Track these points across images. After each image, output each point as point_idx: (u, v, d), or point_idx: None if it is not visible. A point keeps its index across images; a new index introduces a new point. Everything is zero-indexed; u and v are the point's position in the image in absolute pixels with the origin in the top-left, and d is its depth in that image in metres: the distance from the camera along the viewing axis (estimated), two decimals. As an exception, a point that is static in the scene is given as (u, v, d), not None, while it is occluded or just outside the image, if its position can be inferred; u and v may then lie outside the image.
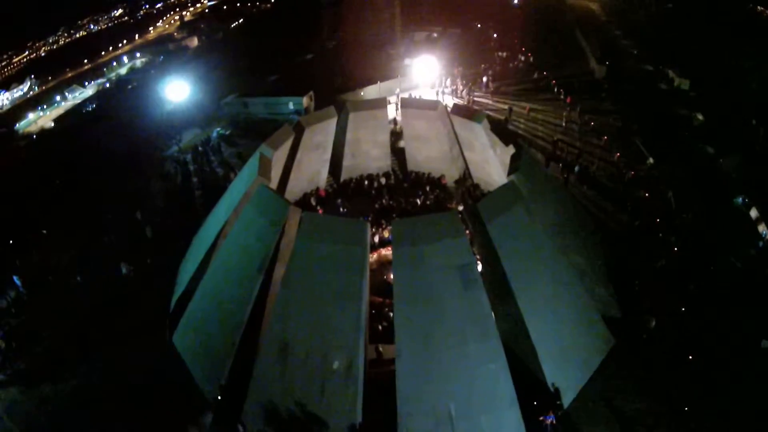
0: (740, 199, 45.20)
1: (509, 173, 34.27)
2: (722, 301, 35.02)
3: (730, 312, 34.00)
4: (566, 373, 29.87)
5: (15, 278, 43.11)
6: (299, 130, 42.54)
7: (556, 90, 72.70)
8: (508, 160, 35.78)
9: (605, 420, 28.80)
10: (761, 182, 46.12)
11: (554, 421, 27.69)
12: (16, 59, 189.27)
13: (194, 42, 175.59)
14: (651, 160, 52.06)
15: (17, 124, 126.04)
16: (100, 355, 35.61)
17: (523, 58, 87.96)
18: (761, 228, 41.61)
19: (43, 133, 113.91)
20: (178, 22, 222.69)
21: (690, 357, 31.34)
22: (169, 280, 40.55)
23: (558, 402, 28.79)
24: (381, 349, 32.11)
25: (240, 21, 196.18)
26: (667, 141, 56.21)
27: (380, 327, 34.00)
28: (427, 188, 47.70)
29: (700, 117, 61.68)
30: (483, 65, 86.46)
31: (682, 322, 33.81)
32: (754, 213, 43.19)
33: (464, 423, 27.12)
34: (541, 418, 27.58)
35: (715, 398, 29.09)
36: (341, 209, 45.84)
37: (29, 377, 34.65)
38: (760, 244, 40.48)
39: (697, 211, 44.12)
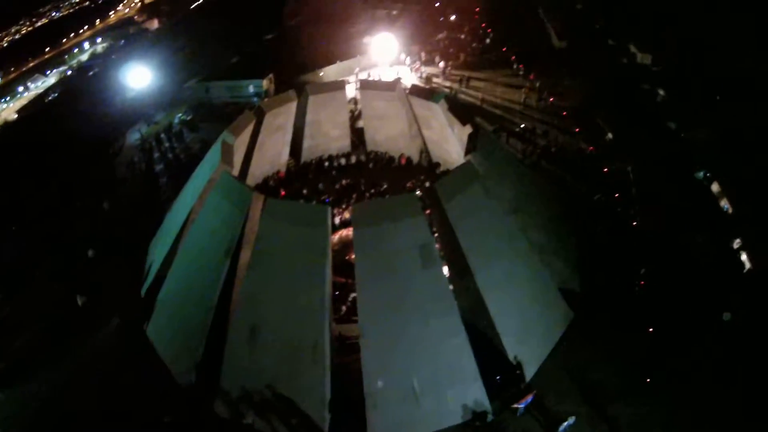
0: (702, 173, 45.66)
1: (466, 152, 34.88)
2: (683, 274, 35.71)
3: (691, 285, 34.67)
4: (527, 346, 30.68)
5: None
6: (260, 114, 42.98)
7: (515, 66, 73.13)
8: (465, 139, 36.31)
9: (569, 392, 29.55)
10: (723, 157, 46.95)
11: (529, 405, 28.48)
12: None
13: (154, 24, 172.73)
14: (610, 135, 52.72)
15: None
16: (78, 347, 35.79)
17: (488, 40, 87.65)
18: (723, 202, 42.08)
19: (7, 124, 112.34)
20: (139, 4, 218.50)
21: (650, 329, 32.14)
22: (137, 267, 40.76)
23: (518, 372, 29.69)
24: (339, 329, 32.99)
25: (200, 1, 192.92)
26: (628, 116, 56.88)
27: (344, 307, 34.70)
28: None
29: (662, 92, 62.32)
30: (442, 43, 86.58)
31: (642, 296, 34.63)
32: (715, 187, 43.60)
33: (430, 397, 27.96)
34: (514, 405, 28.29)
35: (677, 368, 29.92)
36: (303, 191, 46.30)
37: (11, 377, 34.52)
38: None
39: (658, 185, 44.73)
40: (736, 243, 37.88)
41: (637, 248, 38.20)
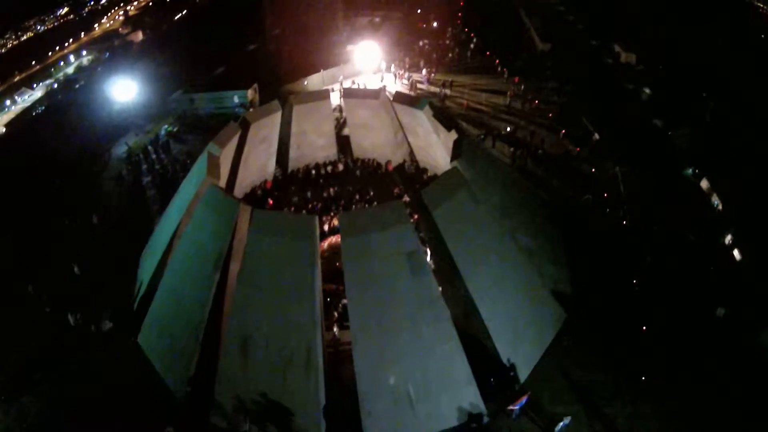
0: (690, 171, 46.02)
1: (452, 159, 34.97)
2: (675, 272, 35.96)
3: (684, 282, 35.00)
4: (520, 349, 30.76)
5: None
6: (245, 126, 42.73)
7: (499, 69, 73.50)
8: (451, 145, 36.50)
9: (564, 392, 29.69)
10: (711, 154, 47.08)
11: (524, 406, 28.47)
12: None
13: (139, 36, 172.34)
14: (597, 136, 52.94)
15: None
16: (71, 360, 35.31)
17: (472, 45, 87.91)
18: (713, 198, 42.47)
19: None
20: (123, 17, 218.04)
21: (644, 328, 32.27)
22: (127, 281, 40.51)
23: (512, 374, 29.75)
24: (338, 334, 33.16)
25: (184, 12, 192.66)
26: (614, 116, 57.10)
27: (336, 313, 34.67)
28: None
29: (648, 91, 62.56)
30: (426, 49, 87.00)
31: (635, 295, 34.79)
32: (705, 184, 43.98)
33: (424, 402, 27.98)
34: (509, 407, 28.28)
35: (672, 365, 30.16)
36: (292, 198, 46.28)
37: (4, 392, 33.82)
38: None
39: (646, 184, 45.02)
40: (728, 239, 38.15)
41: (629, 247, 38.37)
